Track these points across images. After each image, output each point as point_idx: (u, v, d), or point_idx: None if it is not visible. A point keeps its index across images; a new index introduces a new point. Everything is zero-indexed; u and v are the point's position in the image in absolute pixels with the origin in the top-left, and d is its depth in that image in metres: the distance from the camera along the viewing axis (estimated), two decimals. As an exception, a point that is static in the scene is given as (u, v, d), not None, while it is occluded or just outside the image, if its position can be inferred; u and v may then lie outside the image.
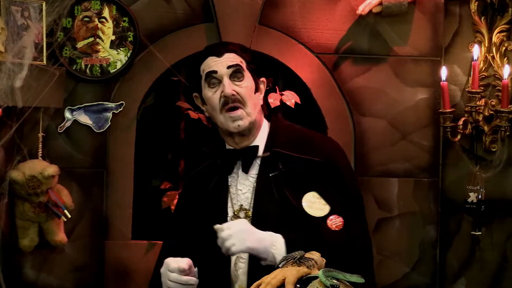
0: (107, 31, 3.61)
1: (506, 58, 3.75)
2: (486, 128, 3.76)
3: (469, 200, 3.72)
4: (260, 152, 3.00)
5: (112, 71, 3.62)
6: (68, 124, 3.61)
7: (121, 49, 3.62)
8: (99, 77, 3.62)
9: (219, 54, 2.98)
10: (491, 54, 3.76)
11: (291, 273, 2.63)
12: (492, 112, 3.75)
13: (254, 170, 2.99)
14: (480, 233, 3.76)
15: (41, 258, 3.59)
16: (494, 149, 3.77)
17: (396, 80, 3.76)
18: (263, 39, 3.67)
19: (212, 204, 2.97)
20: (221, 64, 2.96)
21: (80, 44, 3.60)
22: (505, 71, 3.65)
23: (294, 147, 3.00)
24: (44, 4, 3.40)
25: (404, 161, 3.76)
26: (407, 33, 3.74)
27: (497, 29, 3.75)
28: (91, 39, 3.61)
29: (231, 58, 2.98)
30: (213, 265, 2.87)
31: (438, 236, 3.78)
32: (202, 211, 2.98)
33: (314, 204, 2.93)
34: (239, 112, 2.94)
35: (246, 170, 2.98)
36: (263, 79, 3.08)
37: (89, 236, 3.63)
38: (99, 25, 3.61)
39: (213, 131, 3.15)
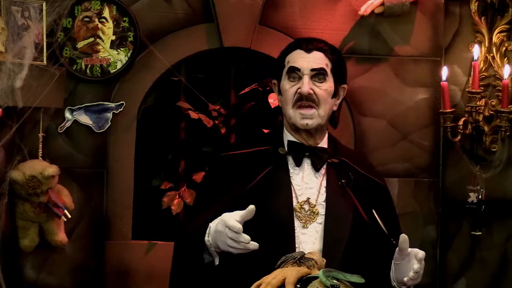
0: (107, 31, 3.61)
1: (506, 58, 3.75)
2: (486, 128, 3.76)
3: (469, 200, 3.72)
4: None
5: (112, 71, 3.62)
6: (68, 124, 3.61)
7: (122, 49, 3.62)
8: (99, 77, 3.62)
9: (308, 50, 2.95)
10: (491, 54, 3.76)
11: (291, 273, 2.63)
12: (492, 112, 3.75)
13: (322, 171, 2.99)
14: (480, 233, 3.76)
15: (41, 258, 3.59)
16: (494, 149, 3.77)
17: (396, 80, 3.76)
18: (264, 39, 3.67)
19: (272, 191, 2.92)
20: (307, 62, 2.94)
21: (80, 44, 3.60)
22: (505, 71, 3.65)
23: (356, 163, 3.06)
24: (44, 4, 3.40)
25: (404, 161, 3.76)
26: (408, 33, 3.74)
27: (497, 29, 3.76)
28: (91, 39, 3.61)
29: (318, 59, 2.95)
30: (277, 251, 2.79)
31: (438, 236, 3.78)
32: (259, 197, 2.89)
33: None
34: (311, 111, 2.93)
35: (317, 168, 2.98)
36: (344, 86, 3.05)
37: (89, 236, 3.63)
38: (99, 25, 3.61)
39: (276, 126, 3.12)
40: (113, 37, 3.62)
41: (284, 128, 3.03)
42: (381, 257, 2.91)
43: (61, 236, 3.53)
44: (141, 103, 3.69)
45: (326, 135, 3.05)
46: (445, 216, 3.80)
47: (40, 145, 3.51)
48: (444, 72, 3.68)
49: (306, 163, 2.99)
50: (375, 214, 2.97)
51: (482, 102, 3.75)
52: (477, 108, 3.71)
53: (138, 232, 3.71)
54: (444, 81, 3.67)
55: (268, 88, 3.72)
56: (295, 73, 2.95)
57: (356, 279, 2.63)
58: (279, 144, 3.01)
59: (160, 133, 3.86)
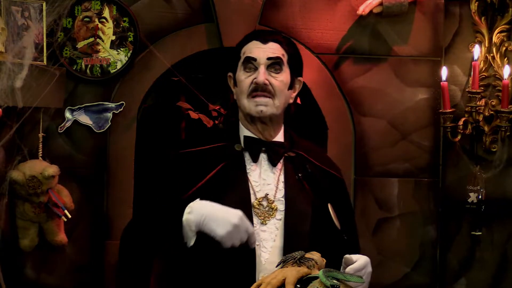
0: (108, 31, 3.61)
1: (506, 58, 3.75)
2: (486, 128, 3.76)
3: (469, 200, 3.72)
4: None
5: (112, 71, 3.62)
6: (68, 124, 3.61)
7: (122, 49, 3.62)
8: (99, 77, 3.62)
9: (264, 41, 2.95)
10: (491, 54, 3.77)
11: (291, 273, 2.63)
12: (492, 112, 3.76)
13: (279, 165, 2.98)
14: (480, 233, 3.76)
15: (41, 258, 3.58)
16: (494, 149, 3.77)
17: (396, 80, 3.76)
18: (263, 39, 3.67)
19: (229, 188, 2.90)
20: (263, 52, 2.93)
21: (80, 44, 3.60)
22: (505, 71, 3.66)
23: (313, 155, 3.05)
24: (44, 4, 3.40)
25: (404, 161, 3.76)
26: (408, 33, 3.74)
27: (497, 29, 3.76)
28: (91, 39, 3.61)
29: (274, 49, 2.94)
30: (236, 251, 2.80)
31: (438, 236, 3.78)
32: (216, 194, 2.87)
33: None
34: (266, 99, 2.91)
35: (274, 163, 2.97)
36: (300, 78, 3.05)
37: (89, 236, 3.63)
38: (100, 25, 3.61)
39: (229, 123, 3.11)
40: (113, 37, 3.62)
41: (240, 123, 3.01)
42: (332, 253, 2.86)
43: (61, 236, 3.53)
44: (141, 103, 3.69)
45: (282, 129, 3.03)
46: (445, 216, 3.80)
47: (40, 145, 3.51)
48: (444, 72, 3.68)
49: (263, 159, 2.97)
50: (330, 209, 2.96)
51: (482, 102, 3.75)
52: (477, 108, 3.71)
53: (138, 232, 3.71)
54: (444, 81, 3.67)
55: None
56: (251, 63, 2.93)
57: (356, 279, 2.64)
58: (235, 140, 2.98)
59: (160, 133, 3.86)
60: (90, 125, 3.62)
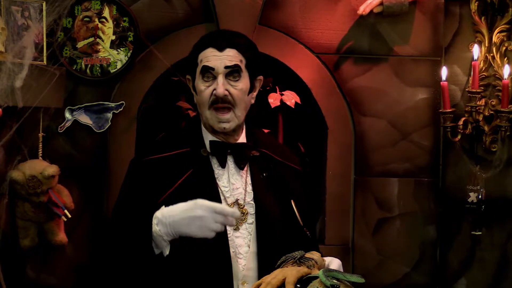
0: (108, 31, 3.61)
1: (506, 58, 3.75)
2: (486, 128, 3.76)
3: (469, 200, 3.72)
4: None
5: (112, 71, 3.62)
6: (68, 124, 3.61)
7: (122, 49, 3.62)
8: (99, 77, 3.62)
9: (220, 48, 2.89)
10: (491, 54, 3.77)
11: (291, 273, 2.63)
12: (492, 112, 3.76)
13: (245, 167, 2.95)
14: (480, 233, 3.76)
15: (41, 258, 3.58)
16: (494, 149, 3.78)
17: (396, 80, 3.76)
18: (264, 39, 3.67)
19: (198, 195, 2.79)
20: (220, 61, 2.87)
21: (80, 44, 3.60)
22: (505, 71, 3.66)
23: (275, 152, 3.02)
24: (44, 4, 3.40)
25: (404, 161, 3.76)
26: (408, 33, 3.74)
27: (497, 29, 3.76)
28: (92, 39, 3.61)
29: (231, 57, 2.89)
30: (212, 260, 2.80)
31: (438, 236, 3.78)
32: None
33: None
34: (227, 115, 2.87)
35: (241, 166, 2.94)
36: (260, 77, 2.99)
37: (89, 236, 3.63)
38: (100, 25, 3.61)
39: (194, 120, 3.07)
40: (113, 37, 3.62)
41: (203, 127, 2.97)
42: (296, 249, 2.83)
43: (61, 236, 3.53)
44: (141, 103, 3.69)
45: (244, 130, 3.00)
46: (445, 216, 3.80)
47: (40, 145, 3.50)
48: (444, 72, 3.68)
49: (229, 162, 2.94)
50: (293, 205, 2.94)
51: (482, 102, 3.75)
52: (477, 108, 3.71)
53: (138, 232, 3.71)
54: (444, 81, 3.67)
55: (268, 88, 3.73)
56: (209, 72, 2.88)
57: (356, 278, 2.64)
58: (199, 145, 2.94)
59: (160, 133, 3.86)
60: (90, 125, 3.62)
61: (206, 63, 2.88)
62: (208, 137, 2.94)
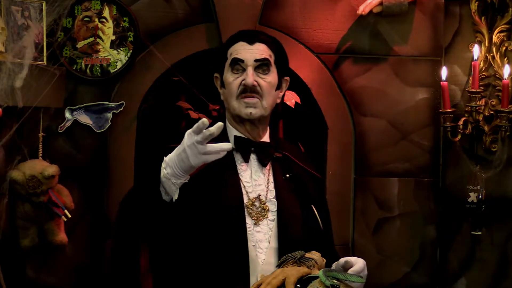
0: (108, 31, 3.61)
1: (506, 58, 3.75)
2: (486, 128, 3.76)
3: (470, 200, 3.72)
4: None
5: (112, 71, 3.63)
6: (68, 124, 3.61)
7: (122, 49, 3.62)
8: (99, 77, 3.62)
9: (251, 42, 2.94)
10: (491, 54, 3.77)
11: (291, 273, 2.64)
12: (492, 112, 3.76)
13: (267, 166, 2.99)
14: (480, 233, 3.76)
15: (41, 258, 3.58)
16: (494, 149, 3.78)
17: (396, 80, 3.76)
18: (264, 39, 3.67)
19: (221, 188, 2.89)
20: (250, 53, 2.93)
21: (80, 44, 3.60)
22: (505, 71, 3.66)
23: (297, 157, 3.06)
24: (44, 4, 3.40)
25: (404, 161, 3.76)
26: (408, 33, 3.74)
27: (497, 29, 3.76)
28: (92, 39, 3.61)
29: (261, 50, 2.94)
30: (229, 253, 2.82)
31: (438, 236, 3.78)
32: (207, 195, 2.87)
33: None
34: (255, 100, 2.92)
35: (264, 164, 2.97)
36: (287, 78, 3.05)
37: (89, 236, 3.63)
38: (100, 25, 3.61)
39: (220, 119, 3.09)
40: (113, 37, 3.62)
41: (228, 123, 3.01)
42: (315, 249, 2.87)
43: (61, 236, 3.53)
44: (141, 103, 3.69)
45: (268, 130, 3.04)
46: (445, 216, 3.80)
47: (40, 145, 3.50)
48: (444, 72, 3.68)
49: (253, 159, 2.97)
50: (314, 210, 2.97)
51: (482, 102, 3.75)
52: (477, 108, 3.72)
53: (138, 232, 3.71)
54: (444, 81, 3.67)
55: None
56: (238, 65, 2.93)
57: (356, 278, 2.64)
58: (223, 140, 2.92)
59: (160, 133, 3.86)
60: (90, 125, 3.62)
61: (236, 55, 2.94)
62: (233, 133, 2.98)
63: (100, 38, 3.61)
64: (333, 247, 3.08)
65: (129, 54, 3.62)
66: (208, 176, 2.88)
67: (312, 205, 2.98)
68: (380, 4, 3.66)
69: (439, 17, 3.77)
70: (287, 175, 2.99)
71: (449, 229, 3.81)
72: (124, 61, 3.62)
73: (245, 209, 2.89)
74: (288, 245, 2.86)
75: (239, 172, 2.95)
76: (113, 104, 3.64)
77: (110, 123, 3.63)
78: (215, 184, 2.88)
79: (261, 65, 2.94)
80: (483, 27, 3.77)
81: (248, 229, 2.86)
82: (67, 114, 3.61)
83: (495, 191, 3.76)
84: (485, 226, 3.77)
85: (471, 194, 3.73)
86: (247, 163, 2.97)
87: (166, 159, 2.74)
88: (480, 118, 3.75)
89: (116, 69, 3.62)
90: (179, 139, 2.79)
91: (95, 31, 3.61)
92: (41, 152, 3.50)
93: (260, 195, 2.93)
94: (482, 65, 3.77)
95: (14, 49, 3.28)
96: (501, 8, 3.77)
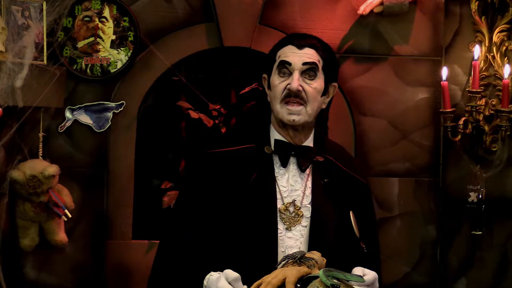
0: (108, 30, 3.61)
1: (506, 57, 3.75)
2: (486, 127, 3.76)
3: (470, 199, 3.72)
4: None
5: (112, 70, 3.63)
6: (68, 123, 3.61)
7: (122, 48, 3.62)
8: (99, 77, 3.62)
9: (300, 46, 2.90)
10: (492, 54, 3.77)
11: (291, 272, 2.63)
12: (492, 111, 3.76)
13: (307, 170, 2.94)
14: (480, 232, 3.76)
15: (41, 257, 3.59)
16: (494, 149, 3.78)
17: (396, 80, 3.76)
18: (264, 38, 3.67)
19: (257, 191, 2.86)
20: (298, 57, 2.89)
21: (80, 44, 3.60)
22: (506, 71, 3.66)
23: (341, 161, 3.01)
24: (44, 3, 3.40)
25: (404, 160, 3.76)
26: (408, 33, 3.74)
27: (497, 29, 3.76)
28: (92, 38, 3.61)
29: (309, 55, 2.90)
30: (258, 257, 2.80)
31: (439, 236, 3.78)
32: (242, 198, 2.86)
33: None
34: (299, 107, 2.87)
35: (303, 169, 2.93)
36: (335, 84, 2.99)
37: (89, 235, 3.63)
38: (100, 24, 3.61)
39: (261, 120, 3.06)
40: (113, 37, 3.62)
41: (271, 125, 2.98)
42: (352, 262, 2.85)
43: (61, 236, 3.53)
44: (141, 103, 3.69)
45: (313, 133, 3.00)
46: (445, 216, 3.80)
47: (41, 145, 3.51)
48: (444, 71, 3.68)
49: (292, 163, 2.94)
50: (351, 216, 2.94)
51: (483, 101, 3.75)
52: (477, 108, 3.71)
53: (138, 232, 3.71)
54: (444, 80, 3.67)
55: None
56: (285, 68, 2.90)
57: (357, 278, 2.64)
58: (265, 142, 2.95)
59: (160, 132, 3.86)
60: (90, 125, 3.63)
61: (284, 58, 2.90)
62: (274, 136, 2.95)
63: (100, 37, 3.61)
64: (375, 255, 3.00)
65: (129, 54, 3.62)
66: (245, 179, 2.87)
67: (351, 212, 2.93)
68: (381, 4, 3.66)
69: (439, 17, 3.77)
70: (326, 180, 2.94)
71: (449, 229, 3.81)
72: (124, 61, 3.62)
73: (278, 214, 2.85)
74: (317, 250, 2.81)
75: (276, 176, 2.91)
76: (113, 104, 3.64)
77: (110, 123, 3.63)
78: (251, 188, 2.85)
79: (308, 70, 2.89)
80: (483, 27, 3.77)
81: (279, 235, 2.82)
82: (67, 114, 3.61)
83: (495, 191, 3.76)
84: (485, 226, 3.77)
85: (471, 194, 3.72)
86: (285, 167, 2.93)
87: (209, 277, 2.76)
88: (481, 117, 3.75)
89: (116, 69, 3.62)
90: (212, 144, 2.90)
91: (95, 31, 3.61)
92: (41, 152, 3.51)
93: (295, 200, 2.89)
94: (482, 64, 3.77)
95: (14, 49, 3.28)
96: (501, 8, 3.77)
